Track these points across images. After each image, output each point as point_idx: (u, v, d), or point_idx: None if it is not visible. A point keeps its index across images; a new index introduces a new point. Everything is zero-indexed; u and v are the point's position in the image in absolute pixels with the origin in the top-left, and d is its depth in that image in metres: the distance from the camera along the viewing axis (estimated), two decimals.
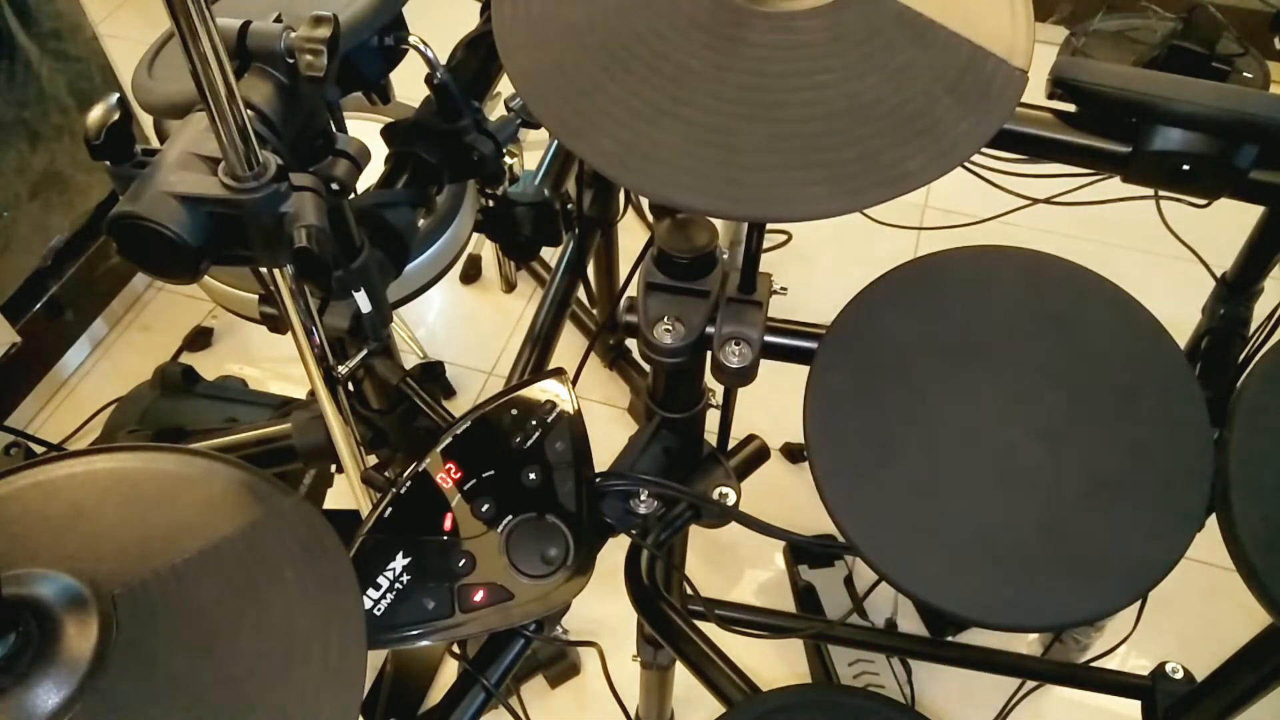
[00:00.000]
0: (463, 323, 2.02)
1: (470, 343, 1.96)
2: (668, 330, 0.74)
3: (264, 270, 0.69)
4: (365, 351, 0.81)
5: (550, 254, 1.27)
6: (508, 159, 1.02)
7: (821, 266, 2.01)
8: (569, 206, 1.16)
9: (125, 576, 0.56)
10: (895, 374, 0.72)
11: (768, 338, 0.75)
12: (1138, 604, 1.14)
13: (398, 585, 0.70)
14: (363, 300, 0.77)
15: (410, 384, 0.84)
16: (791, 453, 1.74)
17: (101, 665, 0.53)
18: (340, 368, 0.80)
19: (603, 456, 0.81)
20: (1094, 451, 0.68)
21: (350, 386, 0.87)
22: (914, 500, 0.68)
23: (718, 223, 0.75)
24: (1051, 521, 0.66)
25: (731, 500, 0.86)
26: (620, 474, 0.85)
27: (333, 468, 1.12)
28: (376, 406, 0.94)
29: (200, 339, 1.94)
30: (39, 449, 1.27)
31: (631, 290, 0.78)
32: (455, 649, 0.81)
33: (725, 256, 0.78)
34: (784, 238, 2.03)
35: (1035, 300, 0.74)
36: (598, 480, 0.79)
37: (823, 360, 0.73)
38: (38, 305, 1.77)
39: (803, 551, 1.61)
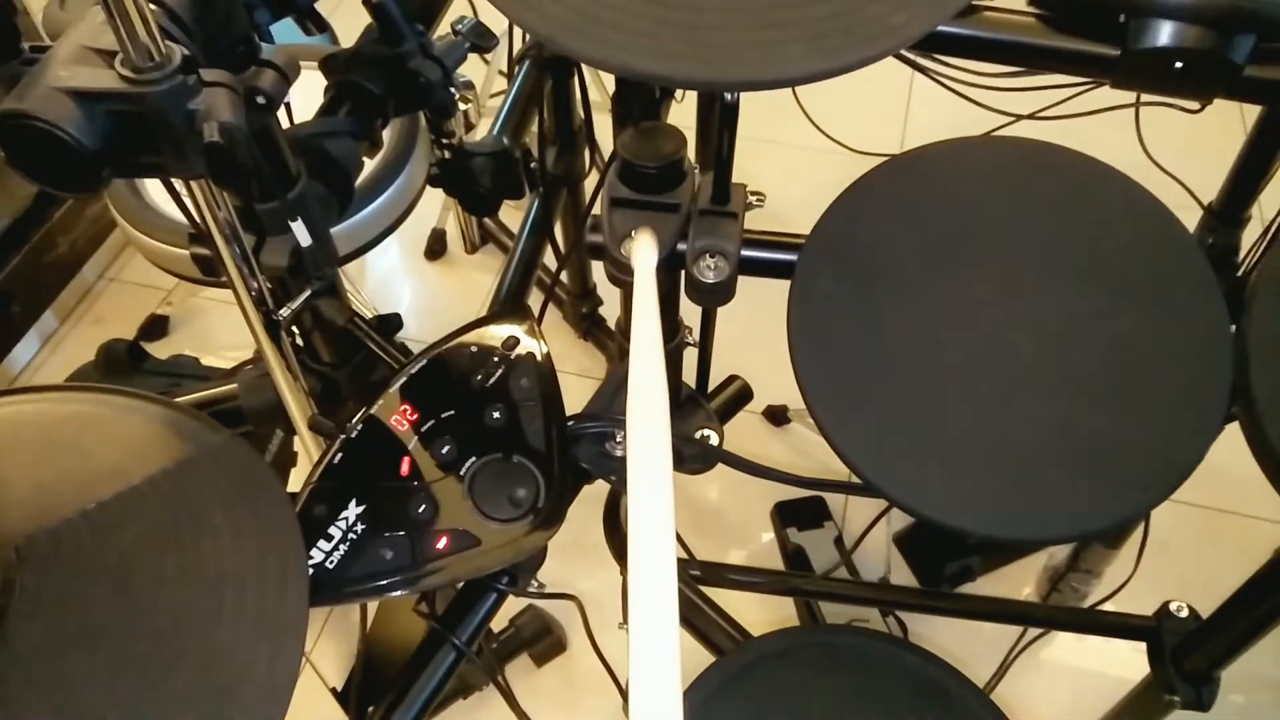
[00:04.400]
0: (432, 299, 1.97)
1: (440, 318, 1.90)
2: None
3: (183, 191, 0.62)
4: (309, 292, 0.74)
5: (515, 219, 1.21)
6: (461, 103, 0.96)
7: (798, 210, 1.96)
8: (532, 165, 1.10)
9: (28, 526, 0.49)
10: (885, 279, 0.66)
11: (745, 251, 0.69)
12: (1136, 548, 1.10)
13: (351, 535, 0.64)
14: (301, 232, 0.71)
15: (359, 323, 0.77)
16: (774, 415, 1.68)
17: (2, 620, 0.46)
18: (283, 310, 0.73)
19: None
20: (1104, 349, 0.62)
21: (296, 332, 0.81)
22: (914, 413, 0.62)
23: None
24: (1062, 427, 0.61)
25: (715, 442, 0.80)
26: (594, 415, 0.80)
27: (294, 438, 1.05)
28: (328, 360, 0.87)
29: (156, 327, 1.86)
30: None
31: (597, 210, 0.72)
32: (422, 607, 0.75)
33: (696, 171, 0.72)
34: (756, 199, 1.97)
35: (1034, 191, 0.68)
36: (570, 424, 0.73)
37: (805, 270, 0.68)
38: None
39: (791, 514, 1.56)
